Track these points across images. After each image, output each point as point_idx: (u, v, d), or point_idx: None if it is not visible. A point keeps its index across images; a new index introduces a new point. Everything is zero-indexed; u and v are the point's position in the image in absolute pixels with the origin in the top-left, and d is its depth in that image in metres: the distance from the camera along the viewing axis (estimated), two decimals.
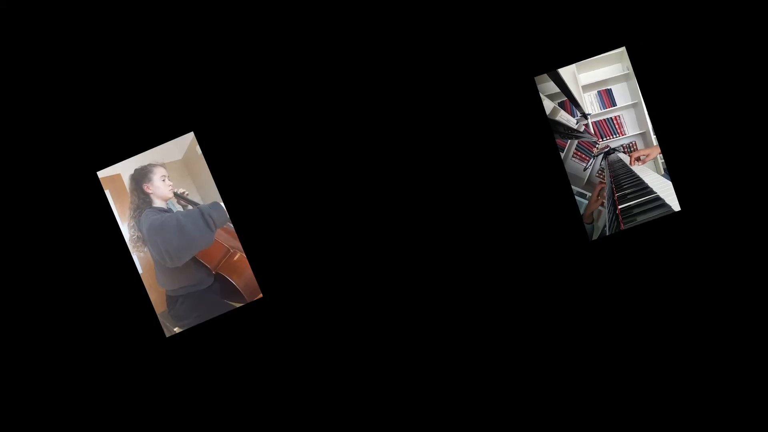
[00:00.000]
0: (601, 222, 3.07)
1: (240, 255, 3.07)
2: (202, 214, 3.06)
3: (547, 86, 3.08)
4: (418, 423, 2.99)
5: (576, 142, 3.10)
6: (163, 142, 3.09)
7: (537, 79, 3.07)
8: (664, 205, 3.05)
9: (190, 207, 3.09)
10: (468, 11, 3.06)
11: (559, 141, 3.08)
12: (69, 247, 3.06)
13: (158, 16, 3.10)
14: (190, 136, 3.10)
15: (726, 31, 2.98)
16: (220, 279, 3.08)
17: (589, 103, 3.09)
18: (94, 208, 3.06)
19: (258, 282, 3.06)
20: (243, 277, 3.07)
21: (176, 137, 3.10)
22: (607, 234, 3.06)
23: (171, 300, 3.07)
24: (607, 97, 3.10)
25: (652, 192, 3.06)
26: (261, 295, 3.06)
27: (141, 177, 3.10)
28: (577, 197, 3.08)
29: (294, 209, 3.07)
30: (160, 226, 3.05)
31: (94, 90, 3.09)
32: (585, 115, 3.09)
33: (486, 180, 3.05)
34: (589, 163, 3.09)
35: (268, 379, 3.04)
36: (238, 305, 3.07)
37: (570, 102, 3.09)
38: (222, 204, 3.08)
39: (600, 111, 3.10)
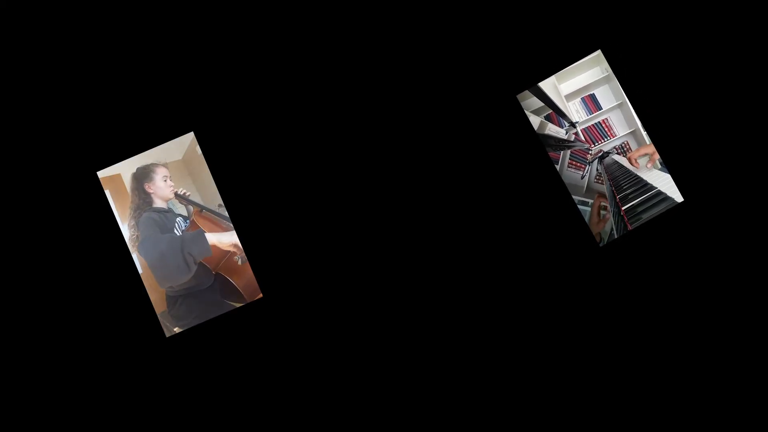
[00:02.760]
0: (608, 226, 3.03)
1: (240, 255, 3.08)
2: (182, 249, 3.05)
3: (530, 102, 3.09)
4: (418, 423, 3.01)
5: (569, 152, 3.10)
6: (163, 142, 3.09)
7: (519, 96, 3.08)
8: (666, 198, 3.02)
9: (191, 207, 3.09)
10: (438, 41, 3.11)
11: (552, 154, 3.08)
12: (69, 247, 3.02)
13: (158, 17, 3.09)
14: (190, 136, 3.10)
15: (699, 15, 3.06)
16: (220, 279, 3.07)
17: (575, 111, 3.12)
18: (94, 208, 3.04)
19: (258, 282, 3.07)
20: (243, 277, 3.07)
21: (176, 137, 3.09)
22: (615, 237, 3.02)
23: (171, 300, 3.05)
24: (591, 102, 3.12)
25: (652, 188, 3.04)
26: (261, 295, 3.06)
27: (143, 176, 3.08)
28: (579, 206, 3.05)
29: (294, 209, 3.08)
30: (152, 245, 3.05)
31: (94, 90, 3.07)
32: (573, 124, 3.12)
33: (486, 200, 3.07)
34: (585, 171, 3.09)
35: (268, 379, 3.04)
36: (238, 305, 3.06)
37: (556, 114, 3.11)
38: (223, 205, 3.08)
39: (587, 117, 3.12)
